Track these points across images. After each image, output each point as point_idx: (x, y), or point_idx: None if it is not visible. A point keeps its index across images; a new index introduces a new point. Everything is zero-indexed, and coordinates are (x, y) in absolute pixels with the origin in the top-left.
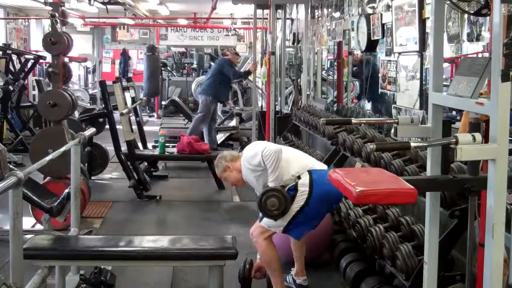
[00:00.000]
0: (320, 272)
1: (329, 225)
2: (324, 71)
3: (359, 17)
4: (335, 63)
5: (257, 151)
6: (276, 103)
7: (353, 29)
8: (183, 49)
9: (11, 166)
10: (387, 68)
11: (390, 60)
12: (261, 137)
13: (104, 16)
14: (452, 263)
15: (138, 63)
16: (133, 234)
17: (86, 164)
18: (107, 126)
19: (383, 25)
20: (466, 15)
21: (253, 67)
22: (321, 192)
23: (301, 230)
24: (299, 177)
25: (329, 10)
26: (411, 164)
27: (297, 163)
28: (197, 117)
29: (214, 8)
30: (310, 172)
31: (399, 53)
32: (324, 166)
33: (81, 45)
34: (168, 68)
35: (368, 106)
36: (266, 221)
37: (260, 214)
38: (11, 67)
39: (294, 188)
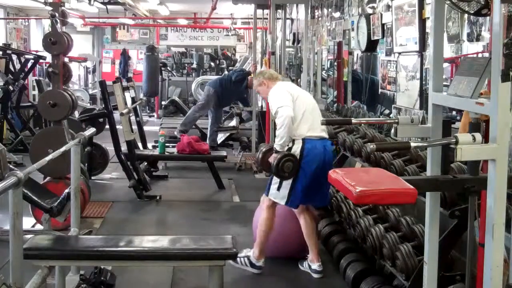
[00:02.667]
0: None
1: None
2: (324, 71)
3: (359, 17)
4: (335, 63)
5: (276, 103)
6: None
7: (353, 29)
8: (183, 49)
9: (11, 166)
10: (387, 68)
11: (390, 60)
12: (261, 137)
13: (104, 16)
14: (452, 263)
15: (138, 63)
16: (133, 234)
17: (86, 164)
18: (107, 126)
19: (383, 25)
20: (466, 15)
21: (253, 67)
22: (310, 161)
23: (298, 199)
24: (293, 142)
25: (329, 10)
26: (411, 164)
27: (298, 128)
28: (195, 105)
29: (214, 8)
30: (304, 140)
31: (399, 53)
32: (320, 134)
33: (81, 45)
34: (168, 68)
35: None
36: (272, 194)
37: (267, 187)
38: (11, 67)
39: None
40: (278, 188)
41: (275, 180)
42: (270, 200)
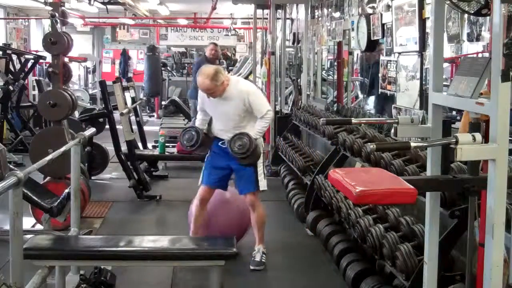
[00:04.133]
0: (319, 272)
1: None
2: (324, 71)
3: (359, 17)
4: (335, 63)
5: (265, 104)
6: (276, 103)
7: (353, 29)
8: (183, 49)
9: (11, 166)
10: (387, 68)
11: (390, 60)
12: None
13: (104, 16)
14: (452, 263)
15: (138, 63)
16: (133, 234)
17: (86, 164)
18: (107, 126)
19: (383, 25)
20: (466, 15)
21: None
22: None
23: None
24: None
25: (329, 10)
26: (411, 164)
27: None
28: (193, 121)
29: (214, 8)
30: None
31: (399, 53)
32: None
33: (81, 45)
34: (168, 68)
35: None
36: (262, 184)
37: (253, 183)
38: (11, 67)
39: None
40: (264, 176)
41: (260, 170)
42: (258, 193)
